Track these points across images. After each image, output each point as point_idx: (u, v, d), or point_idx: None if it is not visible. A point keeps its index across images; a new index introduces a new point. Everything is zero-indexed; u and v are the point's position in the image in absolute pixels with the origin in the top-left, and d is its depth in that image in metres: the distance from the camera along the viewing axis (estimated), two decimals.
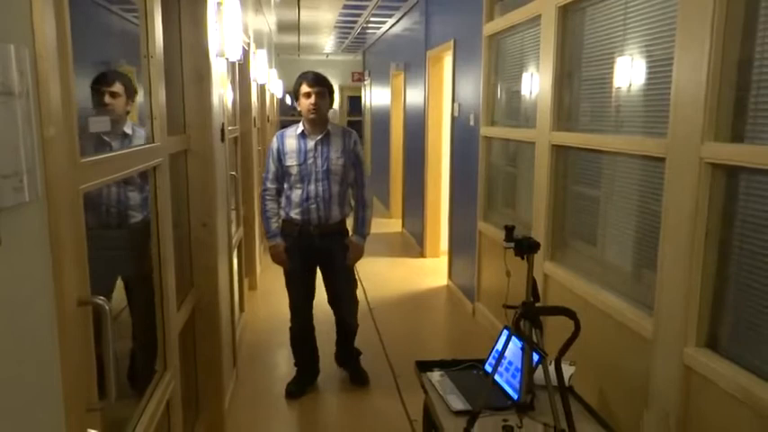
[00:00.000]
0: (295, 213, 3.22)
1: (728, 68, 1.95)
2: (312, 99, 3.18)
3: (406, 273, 6.10)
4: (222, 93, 3.17)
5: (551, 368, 2.11)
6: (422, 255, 6.76)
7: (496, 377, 2.61)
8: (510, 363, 2.58)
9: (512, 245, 2.14)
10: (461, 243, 5.19)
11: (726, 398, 1.94)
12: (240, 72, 4.73)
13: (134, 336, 2.18)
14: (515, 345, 2.55)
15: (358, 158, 3.32)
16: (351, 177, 3.31)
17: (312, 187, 3.19)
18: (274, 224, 3.29)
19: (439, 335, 4.59)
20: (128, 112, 2.16)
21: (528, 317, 2.05)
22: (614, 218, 2.76)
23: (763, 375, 1.86)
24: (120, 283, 2.29)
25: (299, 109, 3.25)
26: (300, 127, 3.25)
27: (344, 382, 3.53)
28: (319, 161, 3.19)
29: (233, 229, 4.02)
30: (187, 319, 2.61)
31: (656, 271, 2.30)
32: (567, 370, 2.61)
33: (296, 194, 3.22)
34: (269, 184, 3.29)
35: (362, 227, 3.35)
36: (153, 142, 1.81)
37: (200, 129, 2.71)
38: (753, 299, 1.93)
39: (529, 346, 2.14)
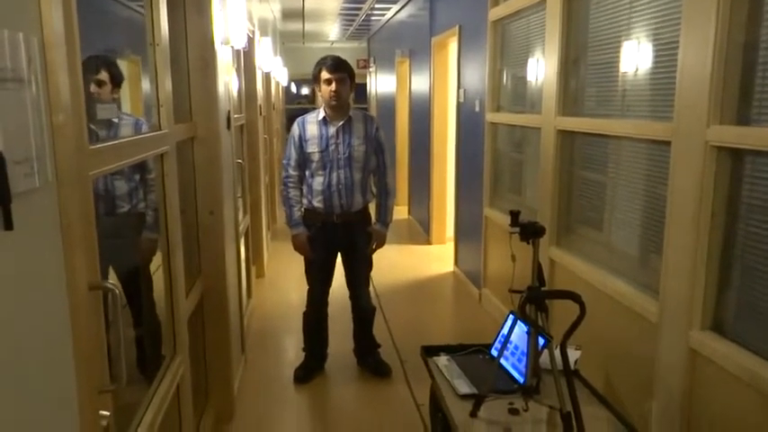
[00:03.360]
0: (317, 201, 3.21)
1: (734, 51, 1.95)
2: (333, 86, 3.15)
3: (412, 259, 6.12)
4: (227, 80, 3.17)
5: (557, 352, 2.12)
6: (428, 241, 6.77)
7: (502, 361, 2.63)
8: (516, 347, 2.60)
9: (517, 230, 2.15)
10: (467, 229, 5.20)
11: (731, 380, 1.95)
12: (245, 60, 4.73)
13: (134, 324, 2.20)
14: (521, 329, 2.56)
15: (380, 145, 3.31)
16: (372, 164, 3.30)
17: (334, 174, 3.18)
18: (297, 212, 3.27)
19: (445, 321, 4.61)
20: (114, 100, 2.15)
21: (533, 301, 2.06)
22: (620, 202, 2.76)
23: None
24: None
25: (319, 95, 3.24)
26: (322, 113, 3.23)
27: (351, 367, 3.55)
28: (341, 148, 3.18)
29: (240, 216, 4.05)
30: (196, 305, 2.63)
31: (661, 255, 2.31)
32: (573, 354, 2.63)
33: (318, 182, 3.20)
34: (291, 171, 3.27)
35: (385, 215, 3.36)
36: (160, 130, 1.83)
37: (206, 116, 2.73)
38: (758, 281, 1.93)
39: (534, 330, 2.16)
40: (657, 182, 2.42)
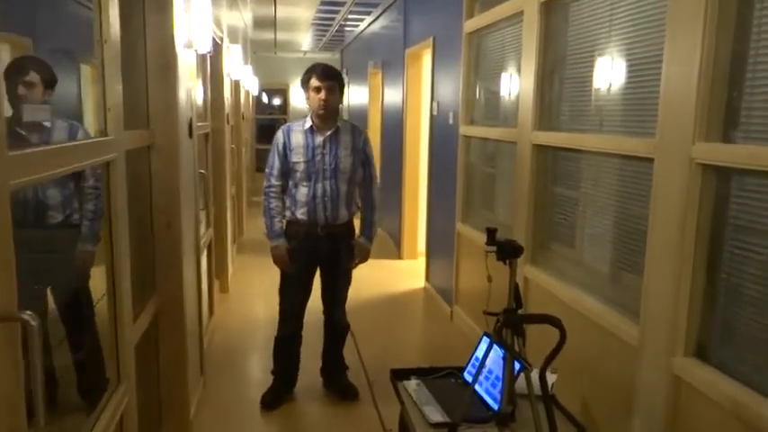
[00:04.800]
0: (301, 213, 3.06)
1: (721, 65, 1.86)
2: (322, 94, 3.02)
3: (382, 274, 5.97)
4: (190, 87, 3.01)
5: (534, 377, 2.00)
6: (399, 256, 6.64)
7: (476, 386, 2.49)
8: (490, 371, 2.47)
9: (494, 248, 2.02)
10: (439, 245, 5.08)
11: (716, 410, 1.84)
12: (212, 66, 4.56)
13: (74, 347, 2.01)
14: (496, 353, 2.44)
15: (368, 157, 3.18)
16: (359, 176, 3.16)
17: (320, 185, 3.03)
18: (278, 223, 3.11)
19: (416, 339, 4.47)
20: (45, 103, 1.98)
21: (510, 325, 1.93)
22: (599, 220, 2.66)
23: (755, 387, 1.77)
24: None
25: (307, 102, 3.10)
26: (309, 121, 3.08)
27: (322, 390, 3.37)
28: (328, 158, 3.04)
29: (202, 229, 3.86)
30: (149, 324, 2.45)
31: (642, 276, 2.21)
32: (549, 378, 2.51)
33: (302, 193, 3.05)
34: (274, 181, 3.11)
35: (370, 229, 3.23)
36: (106, 135, 1.66)
37: (164, 123, 2.56)
38: (745, 306, 1.84)
39: (511, 356, 2.03)
40: (638, 200, 2.33)
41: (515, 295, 2.06)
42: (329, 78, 3.04)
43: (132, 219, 2.48)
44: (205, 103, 4.17)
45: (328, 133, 3.05)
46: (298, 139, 3.06)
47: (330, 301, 3.26)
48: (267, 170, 3.14)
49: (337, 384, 3.34)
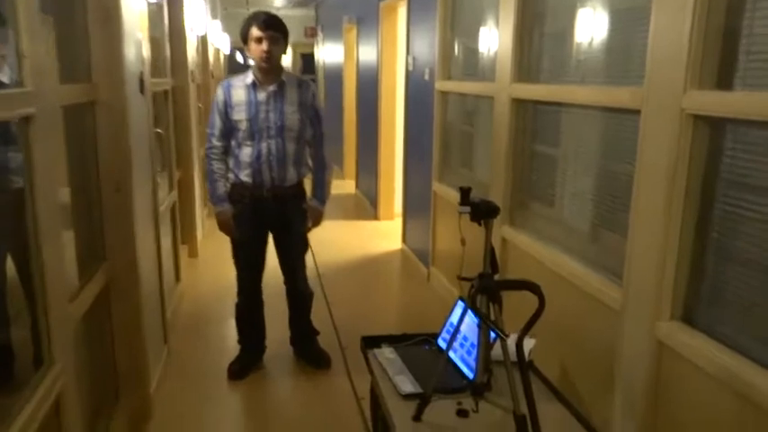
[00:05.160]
0: (245, 175, 2.85)
1: (717, 3, 1.69)
2: (264, 45, 2.76)
3: (358, 236, 5.82)
4: (140, 38, 2.77)
5: (510, 345, 1.86)
6: (376, 217, 6.48)
7: (450, 353, 2.37)
8: (465, 338, 2.34)
9: (467, 209, 1.86)
10: (416, 205, 4.93)
11: (703, 378, 1.73)
12: (172, 20, 4.28)
13: None
14: (471, 319, 2.30)
15: (317, 113, 2.96)
16: (308, 134, 2.94)
17: (264, 145, 2.81)
18: (222, 187, 2.90)
19: (391, 302, 4.34)
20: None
21: (486, 291, 1.78)
22: (580, 178, 2.51)
23: (746, 353, 1.65)
24: None
25: (248, 55, 2.84)
26: (250, 76, 2.84)
27: (291, 359, 3.23)
28: (272, 115, 2.81)
29: (163, 192, 3.66)
30: (98, 295, 2.28)
31: (626, 237, 2.07)
32: (527, 343, 2.38)
33: (245, 153, 2.84)
34: (215, 141, 2.89)
35: (322, 190, 3.02)
36: (22, 86, 1.45)
37: (109, 77, 2.33)
38: (737, 267, 1.71)
39: (485, 325, 1.89)
40: (623, 156, 2.18)
41: (491, 259, 1.91)
42: (272, 28, 2.79)
43: (76, 182, 2.28)
44: (164, 58, 3.90)
45: (272, 88, 2.82)
46: (239, 95, 2.83)
47: (288, 269, 3.08)
48: (208, 130, 2.92)
49: (308, 352, 3.20)
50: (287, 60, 13.47)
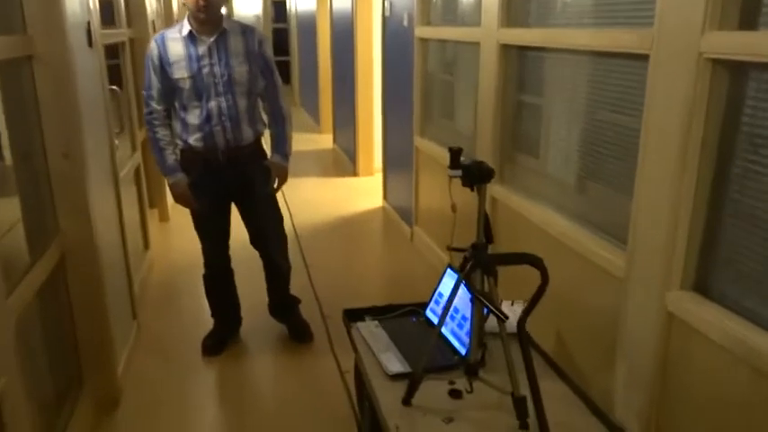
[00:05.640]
0: (195, 140, 2.57)
1: None
2: None
3: (337, 194, 5.60)
4: None
5: (511, 322, 1.69)
6: (355, 173, 6.25)
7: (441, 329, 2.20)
8: (456, 310, 2.16)
9: (459, 173, 1.66)
10: (397, 160, 4.70)
11: (717, 352, 1.57)
12: None
13: None
14: (464, 291, 2.12)
15: (267, 62, 2.65)
16: (260, 87, 2.66)
17: (213, 104, 2.52)
18: (170, 156, 2.59)
19: (374, 264, 4.16)
20: None
21: (480, 265, 1.59)
22: (578, 132, 2.30)
23: (765, 325, 1.50)
24: None
25: (183, 2, 2.52)
26: (186, 26, 2.50)
27: (270, 330, 3.03)
28: (218, 69, 2.51)
29: (125, 155, 3.39)
30: (53, 272, 2.06)
31: (630, 197, 1.88)
32: (516, 310, 2.23)
33: (193, 116, 2.54)
34: (154, 105, 2.55)
35: (283, 145, 2.74)
36: None
37: (47, 28, 2.05)
38: (758, 231, 1.53)
39: (479, 302, 1.71)
40: (630, 105, 1.96)
41: (485, 228, 1.71)
42: None
43: (19, 149, 2.03)
44: (117, 6, 3.56)
45: (213, 39, 2.50)
46: (176, 49, 2.49)
47: (260, 239, 2.83)
48: (144, 92, 2.58)
49: (290, 324, 3.01)
50: (257, 9, 12.91)
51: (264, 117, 2.73)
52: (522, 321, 1.57)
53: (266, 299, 3.02)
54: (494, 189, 2.79)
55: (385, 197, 5.09)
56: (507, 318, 1.55)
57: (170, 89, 2.54)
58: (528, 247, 2.44)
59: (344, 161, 6.78)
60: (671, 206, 1.69)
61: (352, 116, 6.13)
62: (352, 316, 2.34)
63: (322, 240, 4.38)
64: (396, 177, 4.78)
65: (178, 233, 4.50)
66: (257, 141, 2.71)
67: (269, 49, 2.67)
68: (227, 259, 2.86)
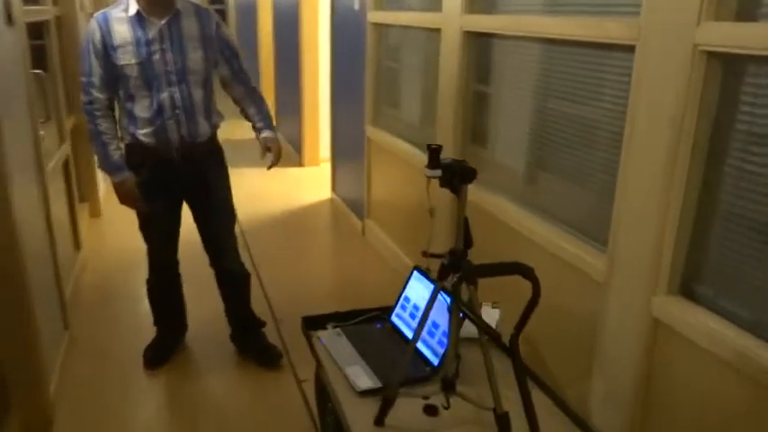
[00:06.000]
0: (145, 135, 2.29)
1: None
2: None
3: (282, 186, 5.36)
4: None
5: (488, 328, 1.56)
6: (300, 163, 6.02)
7: (405, 330, 2.06)
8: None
9: (438, 173, 1.50)
10: (346, 151, 4.52)
11: (708, 360, 1.50)
12: None
13: None
14: (440, 300, 1.98)
15: (229, 46, 2.40)
16: (224, 73, 2.42)
17: (165, 95, 2.25)
18: (115, 152, 2.29)
19: (325, 261, 3.98)
20: None
21: (466, 278, 1.44)
22: (552, 127, 2.18)
23: (758, 332, 1.43)
24: None
25: None
26: (133, 4, 2.21)
27: (218, 337, 2.78)
28: (170, 56, 2.23)
29: (51, 146, 3.08)
30: None
31: (609, 195, 1.78)
32: (491, 313, 2.12)
33: (142, 108, 2.27)
34: (96, 93, 2.24)
35: (269, 118, 2.50)
36: None
37: None
38: (753, 234, 1.45)
39: (456, 313, 1.57)
40: (613, 100, 1.86)
41: (465, 232, 1.57)
42: None
43: None
44: None
45: (164, 21, 2.22)
46: (121, 31, 2.20)
47: (213, 245, 2.57)
48: (83, 79, 2.26)
49: (255, 349, 2.69)
50: None
51: (220, 111, 2.47)
52: (514, 338, 1.44)
53: (214, 300, 2.77)
54: None
55: (333, 189, 4.91)
56: (499, 334, 1.41)
57: (114, 76, 2.25)
58: (498, 247, 2.34)
59: (288, 150, 6.52)
60: (659, 208, 1.60)
61: (297, 103, 5.89)
62: (312, 324, 2.17)
63: (268, 236, 4.17)
64: (345, 168, 4.60)
65: (112, 229, 4.19)
66: (214, 137, 2.46)
67: (227, 32, 2.43)
68: (176, 264, 2.60)
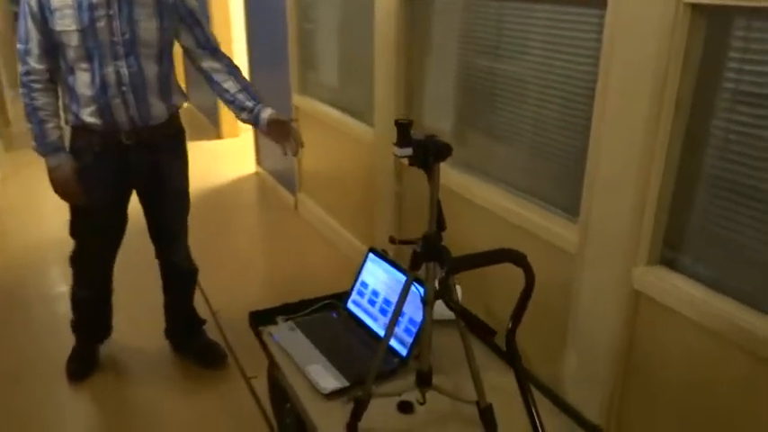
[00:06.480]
0: (89, 115, 1.94)
1: None
2: None
3: (200, 160, 4.94)
4: None
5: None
6: (218, 135, 5.66)
7: (370, 322, 1.90)
8: (388, 302, 1.87)
9: (409, 151, 1.32)
10: None
11: (696, 331, 1.43)
12: None
13: None
14: (395, 281, 1.83)
15: (190, 13, 2.04)
16: (188, 45, 2.08)
17: (110, 69, 1.90)
18: (53, 131, 1.97)
19: (258, 241, 3.74)
20: None
21: (453, 270, 1.28)
22: (515, 88, 2.03)
23: (744, 299, 1.37)
24: None
25: None
26: None
27: (150, 332, 2.51)
28: (117, 24, 1.88)
29: None
30: None
31: (581, 163, 1.68)
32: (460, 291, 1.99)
33: (82, 83, 1.92)
34: (33, 63, 1.92)
35: (256, 93, 2.14)
36: None
37: None
38: (735, 197, 1.37)
39: (429, 304, 1.42)
40: (582, 58, 1.73)
41: (438, 215, 1.41)
42: None
43: None
44: None
45: None
46: None
47: (164, 239, 2.28)
48: (19, 46, 1.93)
49: (195, 348, 2.44)
50: None
51: (181, 87, 2.15)
52: (510, 338, 1.30)
53: (145, 292, 2.50)
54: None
55: (258, 162, 4.62)
56: (494, 332, 1.27)
57: (52, 44, 1.91)
58: (457, 218, 2.21)
59: (202, 122, 6.13)
60: (638, 173, 1.50)
61: None
62: (260, 319, 1.97)
63: (195, 214, 3.81)
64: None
65: (11, 222, 3.75)
66: (173, 119, 2.11)
67: None
68: (110, 274, 2.26)
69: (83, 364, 2.33)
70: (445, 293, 1.25)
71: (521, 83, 1.95)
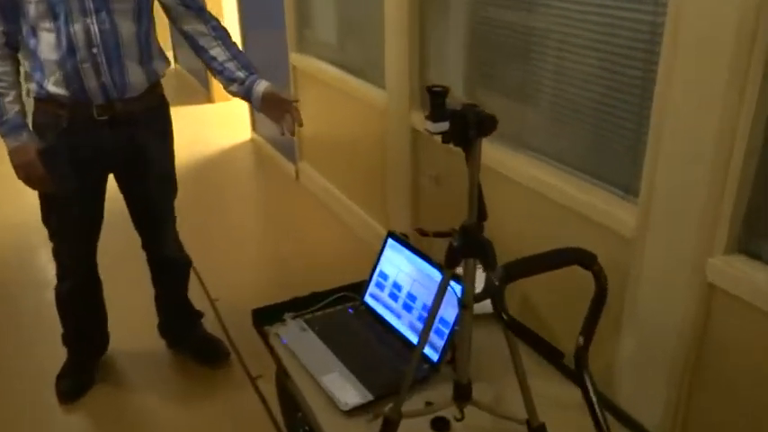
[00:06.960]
0: (55, 83, 1.65)
1: None
2: None
3: (192, 126, 4.65)
4: None
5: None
6: (209, 99, 5.34)
7: (395, 321, 1.66)
8: (412, 297, 1.63)
9: (445, 127, 1.06)
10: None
11: None
12: None
13: None
14: (429, 279, 1.58)
15: None
16: (169, 2, 1.78)
17: (78, 27, 1.61)
18: (12, 106, 1.67)
19: (258, 216, 3.47)
20: None
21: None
22: (557, 43, 1.74)
23: None
24: None
25: None
26: None
27: (148, 335, 2.23)
28: None
29: None
30: None
31: (643, 134, 1.41)
32: (477, 277, 1.75)
33: (47, 44, 1.63)
34: None
35: (249, 61, 1.84)
36: None
37: None
38: None
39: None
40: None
41: (479, 202, 1.16)
42: None
43: None
44: None
45: None
46: None
47: (149, 228, 2.01)
48: None
49: (193, 344, 2.19)
50: None
51: (162, 51, 1.85)
52: (582, 351, 1.04)
53: (135, 285, 2.25)
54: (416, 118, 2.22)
55: (254, 128, 4.32)
56: (562, 355, 1.03)
57: (12, 2, 1.61)
58: (489, 198, 1.95)
59: (193, 84, 5.80)
60: (717, 146, 1.23)
61: None
62: (265, 317, 1.73)
63: (185, 188, 3.53)
64: None
65: None
66: (155, 88, 1.82)
67: None
68: (95, 266, 1.99)
69: (76, 381, 2.04)
70: (497, 306, 1.00)
71: (563, 35, 1.67)
